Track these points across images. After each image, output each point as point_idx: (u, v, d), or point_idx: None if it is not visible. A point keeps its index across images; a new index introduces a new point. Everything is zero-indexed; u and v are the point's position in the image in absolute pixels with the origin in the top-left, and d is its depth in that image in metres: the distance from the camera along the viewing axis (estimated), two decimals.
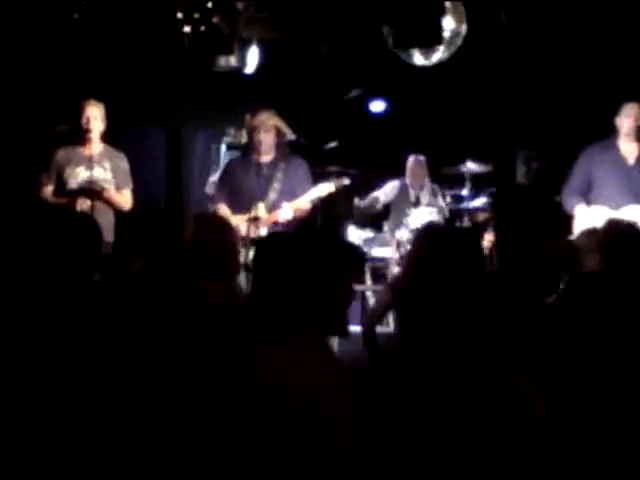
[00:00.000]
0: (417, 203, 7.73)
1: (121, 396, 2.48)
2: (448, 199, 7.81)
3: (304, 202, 5.60)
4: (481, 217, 7.58)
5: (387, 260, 7.32)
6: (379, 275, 7.27)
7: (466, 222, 7.40)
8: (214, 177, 6.88)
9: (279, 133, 5.58)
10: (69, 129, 5.73)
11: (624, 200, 5.34)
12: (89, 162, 5.42)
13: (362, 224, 7.56)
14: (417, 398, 2.02)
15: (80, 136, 5.50)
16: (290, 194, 5.55)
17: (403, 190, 7.90)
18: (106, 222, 5.54)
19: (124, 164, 5.68)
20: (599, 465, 2.56)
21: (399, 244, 7.19)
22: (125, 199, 5.65)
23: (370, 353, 4.38)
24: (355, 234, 7.38)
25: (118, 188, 5.61)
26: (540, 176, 8.29)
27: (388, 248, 7.34)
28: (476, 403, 1.97)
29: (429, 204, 7.62)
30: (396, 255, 7.16)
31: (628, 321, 2.87)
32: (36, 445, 2.46)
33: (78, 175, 5.48)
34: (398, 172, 7.95)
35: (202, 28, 5.99)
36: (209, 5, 5.97)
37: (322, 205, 6.12)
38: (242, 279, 4.63)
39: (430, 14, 5.66)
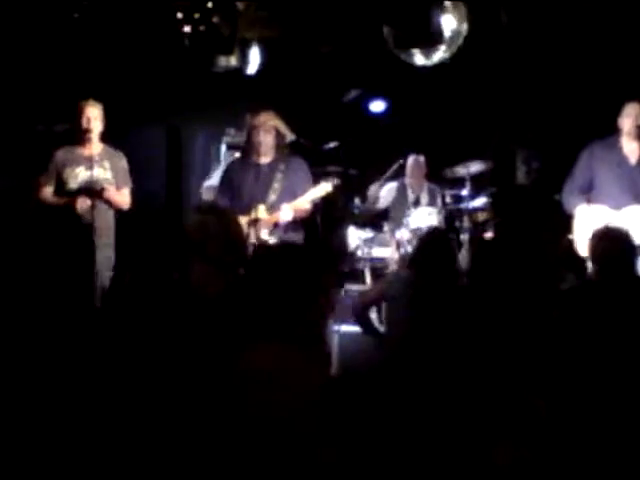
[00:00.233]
0: (417, 203, 7.73)
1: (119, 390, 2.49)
2: (448, 199, 7.81)
3: (303, 203, 5.59)
4: (481, 217, 7.58)
5: (387, 260, 7.31)
6: (379, 275, 7.26)
7: (466, 222, 7.40)
8: (209, 182, 6.88)
9: (279, 134, 5.57)
10: (69, 129, 5.73)
11: (625, 199, 5.33)
12: (89, 162, 5.42)
13: (362, 224, 7.55)
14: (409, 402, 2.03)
15: (80, 136, 5.51)
16: (290, 195, 5.53)
17: (402, 191, 7.90)
18: (106, 222, 5.56)
19: (123, 163, 5.69)
20: (602, 463, 2.56)
21: (399, 244, 7.19)
22: (124, 198, 5.66)
23: (364, 329, 4.42)
24: (355, 234, 7.37)
25: (117, 187, 5.61)
26: (540, 176, 8.28)
27: (388, 248, 7.34)
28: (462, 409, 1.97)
29: (429, 204, 7.62)
30: (396, 255, 7.16)
31: (623, 325, 2.88)
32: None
33: (78, 175, 5.49)
34: (398, 172, 7.95)
35: (202, 28, 5.99)
36: (209, 5, 5.98)
37: (322, 205, 6.12)
38: None
39: (430, 14, 5.66)
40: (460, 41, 5.90)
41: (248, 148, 5.62)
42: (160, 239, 7.12)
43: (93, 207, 5.35)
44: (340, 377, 4.31)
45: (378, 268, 7.35)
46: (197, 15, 5.98)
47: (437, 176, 7.89)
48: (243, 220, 5.42)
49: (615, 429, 2.61)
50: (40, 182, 5.54)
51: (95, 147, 5.51)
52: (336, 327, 6.20)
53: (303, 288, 2.10)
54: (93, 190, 5.40)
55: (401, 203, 7.75)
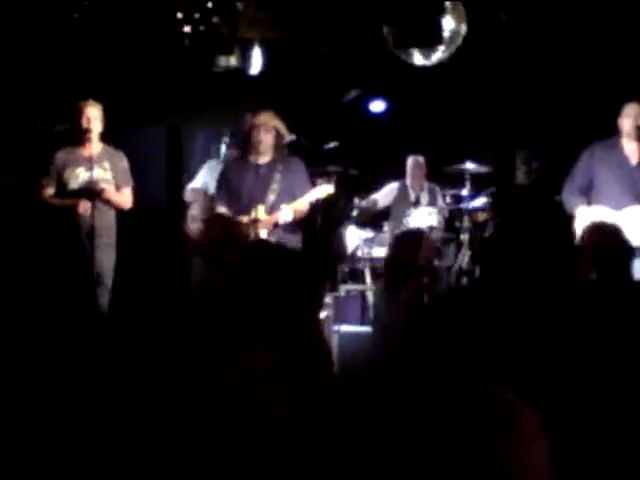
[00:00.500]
0: (417, 203, 7.73)
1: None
2: (448, 199, 7.81)
3: (303, 204, 5.59)
4: (481, 217, 7.58)
5: None
6: (379, 275, 7.26)
7: (466, 222, 7.40)
8: (191, 184, 6.88)
9: (278, 134, 5.56)
10: (69, 129, 5.73)
11: (625, 200, 5.32)
12: (89, 163, 5.42)
13: (362, 224, 7.55)
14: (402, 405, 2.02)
15: (79, 137, 5.51)
16: (289, 195, 5.52)
17: (403, 191, 7.91)
18: (107, 222, 5.56)
19: (123, 163, 5.69)
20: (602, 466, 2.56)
21: None
22: (125, 198, 5.66)
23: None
24: (355, 234, 7.37)
25: (118, 187, 5.61)
26: (540, 176, 8.28)
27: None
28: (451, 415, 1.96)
29: (429, 204, 7.63)
30: None
31: (620, 325, 2.87)
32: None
33: (78, 176, 5.49)
34: (398, 172, 7.95)
35: (202, 28, 5.99)
36: (209, 5, 5.98)
37: (322, 206, 6.12)
38: None
39: (430, 14, 5.66)
40: (459, 41, 5.90)
41: (247, 148, 5.60)
42: (160, 239, 7.13)
43: (93, 207, 5.36)
44: (340, 377, 4.30)
45: (378, 268, 7.35)
46: (197, 15, 5.98)
47: (437, 176, 7.89)
48: (244, 220, 5.44)
49: (611, 433, 2.60)
50: (42, 183, 5.55)
51: (95, 147, 5.52)
52: (336, 327, 6.20)
53: (292, 290, 2.10)
54: (93, 191, 5.40)
55: (402, 203, 7.76)
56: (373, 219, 7.80)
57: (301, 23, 6.65)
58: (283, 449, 1.93)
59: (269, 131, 5.50)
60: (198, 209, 6.60)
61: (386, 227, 7.64)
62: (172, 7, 6.02)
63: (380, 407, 2.02)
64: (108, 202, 5.52)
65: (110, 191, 5.51)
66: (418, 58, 6.02)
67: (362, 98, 8.34)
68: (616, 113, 5.47)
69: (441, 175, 7.82)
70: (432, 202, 7.71)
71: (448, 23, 5.80)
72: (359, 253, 7.31)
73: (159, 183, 7.76)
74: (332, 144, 7.39)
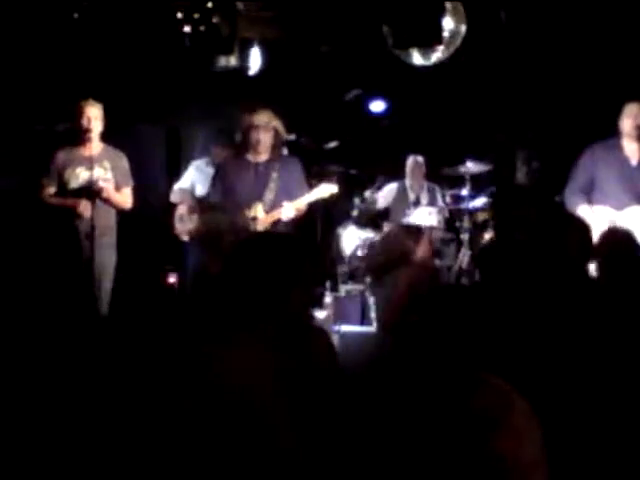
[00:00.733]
0: (417, 203, 7.74)
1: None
2: (448, 199, 7.81)
3: (306, 202, 5.61)
4: (481, 217, 7.58)
5: None
6: None
7: (466, 222, 7.40)
8: (178, 185, 6.88)
9: (277, 134, 5.57)
10: (69, 129, 5.73)
11: (626, 200, 5.33)
12: (89, 163, 5.42)
13: (362, 224, 7.55)
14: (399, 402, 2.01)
15: (80, 136, 5.51)
16: (286, 194, 5.54)
17: (402, 191, 7.92)
18: (108, 221, 5.56)
19: (124, 163, 5.69)
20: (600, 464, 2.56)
21: None
22: (126, 198, 5.66)
23: None
24: (355, 234, 7.38)
25: (118, 187, 5.61)
26: (540, 176, 8.28)
27: None
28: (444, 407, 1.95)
29: (429, 204, 7.63)
30: None
31: (626, 328, 2.86)
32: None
33: (79, 176, 5.49)
34: (398, 172, 7.96)
35: (202, 28, 5.98)
36: (209, 5, 5.97)
37: (322, 205, 6.12)
38: None
39: (430, 14, 5.66)
40: (458, 42, 5.90)
41: (244, 146, 5.59)
42: (160, 239, 7.13)
43: (93, 207, 5.36)
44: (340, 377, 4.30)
45: None
46: (197, 15, 5.97)
47: (437, 176, 7.89)
48: (244, 216, 5.46)
49: (613, 436, 2.60)
50: (42, 183, 5.55)
51: (95, 147, 5.52)
52: (336, 327, 6.21)
53: (278, 278, 2.10)
54: (93, 190, 5.40)
55: (401, 203, 7.76)
56: (373, 219, 7.80)
57: (301, 23, 6.65)
58: (279, 448, 1.93)
59: (269, 131, 5.51)
60: (185, 209, 6.59)
61: (386, 227, 7.64)
62: (172, 7, 6.02)
63: (379, 399, 2.02)
64: (108, 201, 5.52)
65: (110, 190, 5.51)
66: (418, 58, 6.02)
67: (362, 98, 8.34)
68: (616, 113, 5.47)
69: (441, 175, 7.82)
70: (432, 202, 7.72)
71: (448, 23, 5.80)
72: (359, 253, 7.31)
73: (158, 183, 7.77)
74: (332, 144, 7.39)
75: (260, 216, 5.50)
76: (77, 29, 6.29)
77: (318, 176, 6.71)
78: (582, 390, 2.66)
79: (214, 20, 5.99)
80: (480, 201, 7.48)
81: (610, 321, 2.91)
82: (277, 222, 5.56)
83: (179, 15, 5.99)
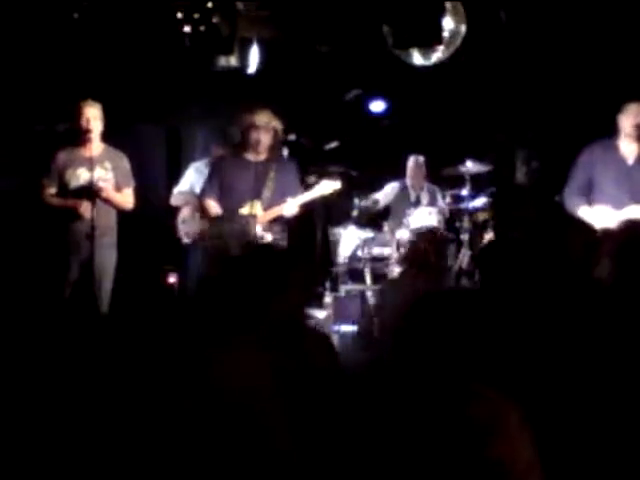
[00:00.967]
0: (417, 203, 7.74)
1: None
2: (448, 199, 7.82)
3: (309, 198, 5.65)
4: (481, 217, 7.59)
5: (387, 260, 7.31)
6: (379, 275, 7.26)
7: (466, 222, 7.40)
8: (177, 188, 6.87)
9: (276, 134, 5.59)
10: (69, 129, 5.73)
11: (625, 199, 5.33)
12: (90, 163, 5.41)
13: (362, 224, 7.55)
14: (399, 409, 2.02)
15: (80, 137, 5.50)
16: (281, 195, 5.56)
17: (403, 191, 7.92)
18: (108, 222, 5.55)
19: (125, 163, 5.68)
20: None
21: (399, 244, 7.19)
22: (126, 198, 5.65)
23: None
24: (355, 234, 7.38)
25: (119, 188, 5.61)
26: (540, 176, 8.28)
27: (388, 248, 7.34)
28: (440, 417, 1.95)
29: (429, 204, 7.63)
30: (396, 255, 7.16)
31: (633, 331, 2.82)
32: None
33: (80, 176, 5.48)
34: (398, 172, 7.96)
35: (202, 28, 5.98)
36: (209, 5, 5.97)
37: (322, 205, 6.13)
38: None
39: (430, 14, 5.66)
40: (458, 42, 5.90)
41: (243, 146, 5.60)
42: (160, 239, 7.13)
43: (93, 207, 5.35)
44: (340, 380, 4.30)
45: (378, 268, 7.36)
46: (197, 15, 5.97)
47: (437, 176, 7.90)
48: (241, 213, 5.48)
49: (617, 438, 2.58)
50: (43, 184, 5.54)
51: (96, 147, 5.51)
52: (336, 327, 6.21)
53: (264, 281, 2.11)
54: (92, 190, 5.39)
55: (402, 203, 7.77)
56: (373, 219, 7.80)
57: (300, 22, 6.65)
58: (276, 449, 1.93)
59: (269, 131, 5.53)
60: (189, 211, 6.58)
61: (386, 227, 7.65)
62: (172, 7, 6.02)
63: (376, 406, 2.02)
64: (108, 201, 5.51)
65: (109, 190, 5.50)
66: (418, 58, 6.02)
67: (362, 98, 8.34)
68: (616, 113, 5.47)
69: (441, 175, 7.83)
70: (432, 202, 7.72)
71: (448, 23, 5.81)
72: (359, 253, 7.31)
73: (159, 183, 7.77)
74: (332, 144, 7.39)
75: (259, 214, 5.52)
76: (77, 29, 6.28)
77: (318, 176, 6.72)
78: (583, 394, 2.64)
79: (214, 20, 6.00)
80: (480, 201, 7.48)
81: (616, 324, 2.88)
82: (276, 219, 5.58)
83: (179, 15, 5.99)
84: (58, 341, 4.71)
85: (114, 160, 5.62)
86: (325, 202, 6.08)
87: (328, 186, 5.73)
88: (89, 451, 2.56)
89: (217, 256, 5.31)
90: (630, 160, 5.42)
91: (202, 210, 5.78)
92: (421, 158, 7.91)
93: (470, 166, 7.40)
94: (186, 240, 6.58)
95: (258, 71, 6.88)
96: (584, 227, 5.35)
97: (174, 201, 6.86)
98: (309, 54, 7.37)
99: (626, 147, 5.42)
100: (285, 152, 6.48)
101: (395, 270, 6.89)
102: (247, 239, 5.30)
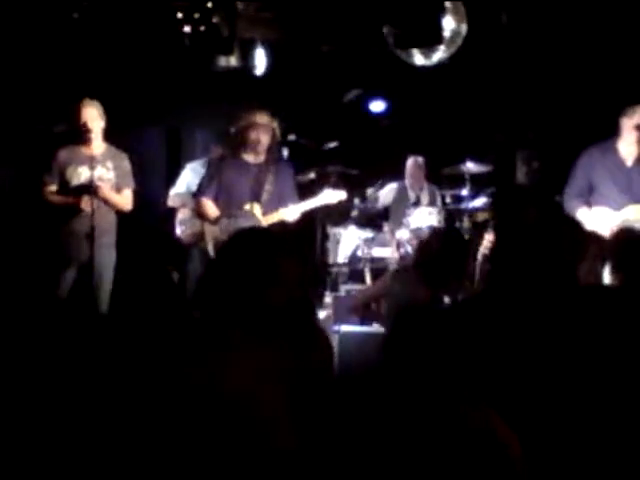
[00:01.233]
0: (417, 203, 7.74)
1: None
2: (448, 199, 7.82)
3: (312, 206, 5.64)
4: (481, 217, 7.58)
5: (387, 260, 7.31)
6: (379, 275, 7.26)
7: (466, 222, 7.40)
8: (174, 190, 6.86)
9: (274, 135, 5.57)
10: (69, 129, 5.72)
11: (625, 202, 5.33)
12: (92, 161, 5.41)
13: (362, 224, 7.55)
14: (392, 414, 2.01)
15: (80, 137, 5.50)
16: (279, 198, 5.54)
17: (402, 191, 7.92)
18: (108, 222, 5.55)
19: (126, 164, 5.68)
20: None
21: (399, 244, 7.19)
22: (125, 200, 5.64)
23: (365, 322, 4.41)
24: (355, 234, 7.38)
25: (119, 188, 5.60)
26: (540, 176, 8.28)
27: (388, 248, 7.34)
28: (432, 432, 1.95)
29: (429, 204, 7.63)
30: (396, 255, 7.16)
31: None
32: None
33: (81, 174, 5.48)
34: (398, 172, 7.96)
35: (202, 28, 5.98)
36: (209, 5, 5.97)
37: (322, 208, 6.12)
38: None
39: (430, 14, 5.66)
40: (459, 41, 5.90)
41: (241, 146, 5.57)
42: (160, 239, 7.12)
43: (92, 206, 5.34)
44: (340, 377, 4.30)
45: (378, 268, 7.36)
46: (197, 15, 5.97)
47: (437, 176, 7.89)
48: (241, 213, 5.47)
49: (615, 440, 2.56)
50: (44, 181, 5.53)
51: (98, 146, 5.51)
52: (336, 327, 6.21)
53: (254, 275, 2.11)
54: (90, 188, 5.38)
55: (401, 203, 7.77)
56: (373, 219, 7.80)
57: (301, 23, 6.65)
58: (279, 449, 1.93)
59: (268, 131, 5.51)
60: (188, 212, 6.56)
61: (386, 227, 7.65)
62: (172, 7, 6.01)
63: (375, 405, 2.02)
64: (106, 201, 5.50)
65: (107, 189, 5.48)
66: (419, 58, 6.01)
67: (362, 98, 8.34)
68: (616, 114, 5.47)
69: (441, 175, 7.83)
70: (432, 202, 7.72)
71: (449, 23, 5.80)
72: (359, 253, 7.31)
73: (158, 184, 7.76)
74: (332, 144, 7.39)
75: (258, 216, 5.51)
76: (77, 29, 6.28)
77: (318, 176, 6.72)
78: (580, 402, 2.62)
79: (214, 20, 5.99)
80: (480, 201, 7.48)
81: (626, 325, 2.84)
82: (276, 223, 5.56)
83: (179, 15, 5.99)
84: (57, 341, 4.71)
85: (115, 160, 5.62)
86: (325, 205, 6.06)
87: (333, 196, 5.73)
88: (89, 452, 2.55)
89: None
90: (629, 162, 5.42)
91: (198, 209, 5.72)
92: (420, 159, 7.91)
93: (470, 166, 7.40)
94: (184, 241, 6.57)
95: (263, 72, 6.89)
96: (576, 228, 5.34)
97: (171, 203, 6.84)
98: (309, 54, 7.37)
99: (625, 149, 5.42)
100: (285, 152, 6.48)
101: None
102: None
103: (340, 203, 6.02)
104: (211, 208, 5.57)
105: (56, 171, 5.51)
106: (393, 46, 5.91)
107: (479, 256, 5.83)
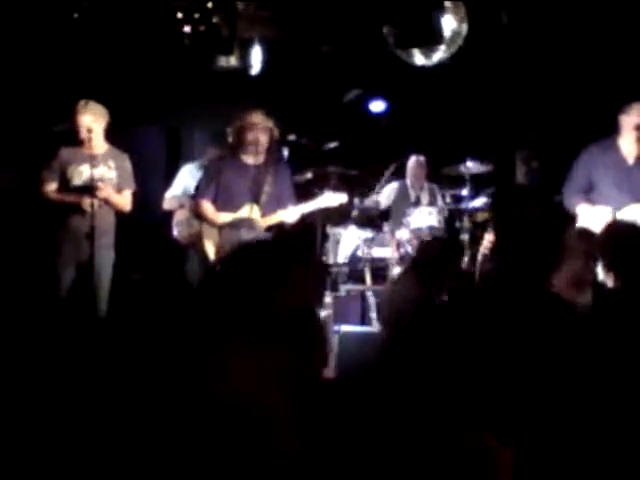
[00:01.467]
0: (417, 203, 7.74)
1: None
2: (448, 199, 7.81)
3: (312, 208, 5.64)
4: (481, 217, 7.58)
5: (387, 260, 7.31)
6: (379, 275, 7.26)
7: (466, 222, 7.40)
8: (170, 193, 6.85)
9: (272, 135, 5.55)
10: (69, 129, 5.72)
11: (626, 200, 5.33)
12: (93, 160, 5.40)
13: (362, 224, 7.55)
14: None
15: (80, 138, 5.49)
16: (277, 200, 5.53)
17: (403, 190, 7.92)
18: (107, 222, 5.54)
19: (127, 164, 5.67)
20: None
21: (399, 244, 7.18)
22: (125, 200, 5.63)
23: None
24: (355, 234, 7.37)
25: (120, 189, 5.59)
26: (540, 176, 8.28)
27: (388, 248, 7.33)
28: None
29: (429, 204, 7.63)
30: (396, 255, 7.15)
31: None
32: None
33: (82, 173, 5.47)
34: (398, 172, 7.96)
35: (202, 28, 5.98)
36: (209, 5, 5.97)
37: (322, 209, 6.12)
38: None
39: (430, 14, 5.66)
40: (460, 41, 5.90)
41: (239, 147, 5.55)
42: (159, 240, 7.12)
43: (92, 206, 5.33)
44: (340, 377, 4.30)
45: (378, 268, 7.35)
46: (197, 15, 5.97)
47: (437, 176, 7.89)
48: (240, 215, 5.47)
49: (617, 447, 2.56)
50: (42, 178, 5.51)
51: (100, 146, 5.51)
52: (336, 327, 6.21)
53: (264, 279, 2.10)
54: (91, 188, 5.37)
55: (402, 203, 7.76)
56: (373, 219, 7.80)
57: (301, 23, 6.65)
58: (282, 450, 1.92)
59: (266, 131, 5.49)
60: (185, 213, 6.54)
61: (386, 227, 7.64)
62: (172, 7, 6.02)
63: (374, 406, 2.02)
64: (106, 200, 5.49)
65: (107, 190, 5.48)
66: (419, 58, 6.02)
67: (362, 98, 8.34)
68: (616, 113, 5.46)
69: (441, 175, 7.82)
70: (432, 202, 7.72)
71: (449, 23, 5.80)
72: (359, 253, 7.30)
73: (158, 183, 7.76)
74: (332, 144, 7.39)
75: (256, 218, 5.50)
76: (77, 29, 6.28)
77: (318, 176, 6.71)
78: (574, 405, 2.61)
79: (214, 20, 5.99)
80: (480, 201, 7.47)
81: (623, 328, 2.83)
82: (275, 225, 5.56)
83: (179, 15, 6.00)
84: (56, 341, 4.71)
85: (117, 160, 5.61)
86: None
87: (334, 199, 5.72)
88: (89, 452, 2.55)
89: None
90: (630, 160, 5.41)
91: (197, 211, 5.69)
92: (422, 158, 7.91)
93: (470, 166, 7.39)
94: (182, 242, 6.56)
95: (258, 71, 6.89)
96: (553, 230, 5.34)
97: (167, 205, 6.82)
98: (309, 54, 7.37)
99: (626, 147, 5.41)
100: (285, 152, 6.47)
101: (395, 270, 6.89)
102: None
103: (340, 205, 6.01)
104: (210, 210, 5.55)
105: (57, 169, 5.50)
106: (393, 46, 5.91)
107: (479, 256, 5.83)
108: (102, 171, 5.48)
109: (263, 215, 5.53)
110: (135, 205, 5.71)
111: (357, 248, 7.33)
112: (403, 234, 7.17)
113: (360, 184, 7.78)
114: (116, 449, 2.32)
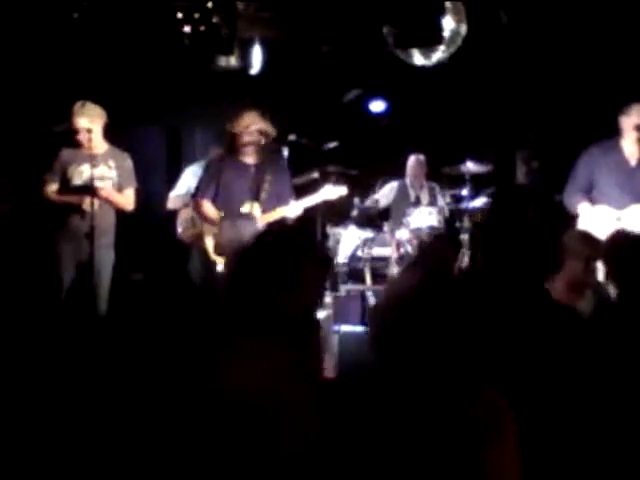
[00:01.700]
0: (417, 203, 7.74)
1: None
2: (448, 199, 7.81)
3: (313, 202, 5.65)
4: (481, 217, 7.58)
5: (387, 260, 7.31)
6: (379, 275, 7.26)
7: (466, 222, 7.40)
8: (174, 192, 6.86)
9: (265, 136, 5.54)
10: (69, 129, 5.72)
11: (627, 201, 5.31)
12: (94, 160, 5.40)
13: (362, 224, 7.55)
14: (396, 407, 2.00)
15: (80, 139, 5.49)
16: (277, 197, 5.55)
17: (403, 190, 7.92)
18: (107, 223, 5.54)
19: (128, 163, 5.68)
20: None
21: (399, 244, 7.19)
22: (127, 199, 5.63)
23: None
24: (355, 234, 7.38)
25: (122, 188, 5.60)
26: (540, 176, 8.29)
27: (388, 248, 7.34)
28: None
29: (429, 204, 7.63)
30: (396, 255, 7.16)
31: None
32: None
33: (83, 173, 5.47)
34: (398, 172, 7.96)
35: (202, 28, 5.98)
36: (209, 5, 5.97)
37: (322, 205, 6.12)
38: None
39: (430, 14, 5.66)
40: (459, 41, 5.90)
41: (235, 148, 5.56)
42: (159, 240, 7.13)
43: (92, 206, 5.33)
44: (340, 378, 4.30)
45: (378, 268, 7.35)
46: (197, 15, 5.98)
47: (437, 176, 7.90)
48: (241, 212, 5.48)
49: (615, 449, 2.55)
50: (44, 179, 5.52)
51: (100, 146, 5.51)
52: (336, 327, 6.21)
53: (276, 278, 2.09)
54: (92, 188, 5.37)
55: (402, 202, 7.77)
56: (373, 219, 7.80)
57: (301, 23, 6.65)
58: (289, 450, 1.92)
59: (251, 135, 5.48)
60: (189, 212, 6.55)
61: (386, 227, 7.64)
62: (172, 7, 6.02)
63: (375, 406, 2.02)
64: (108, 200, 5.50)
65: (108, 190, 5.48)
66: (418, 58, 6.02)
67: (362, 98, 8.34)
68: (616, 114, 5.45)
69: (441, 175, 7.83)
70: (432, 202, 7.72)
71: (448, 23, 5.81)
72: (359, 253, 7.31)
73: (159, 183, 7.77)
74: (332, 144, 7.39)
75: (257, 215, 5.52)
76: (77, 29, 6.28)
77: (318, 176, 6.71)
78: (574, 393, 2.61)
79: (214, 20, 6.00)
80: (480, 201, 7.47)
81: (622, 339, 2.81)
82: (276, 221, 5.57)
83: (179, 15, 6.00)
84: (56, 341, 4.71)
85: (118, 159, 5.62)
86: (325, 202, 6.06)
87: (334, 191, 5.73)
88: (92, 452, 2.56)
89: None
90: (633, 161, 5.39)
91: (197, 210, 5.72)
92: (422, 157, 7.92)
93: (470, 166, 7.39)
94: (185, 241, 6.57)
95: (258, 71, 6.89)
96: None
97: (170, 205, 6.83)
98: (309, 54, 7.38)
99: (628, 148, 5.39)
100: (285, 152, 6.47)
101: (395, 270, 6.90)
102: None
103: (340, 202, 6.01)
104: (210, 209, 5.57)
105: (58, 170, 5.51)
106: (393, 46, 5.91)
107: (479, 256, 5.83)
108: (102, 171, 5.49)
109: (263, 212, 5.55)
110: (136, 205, 5.72)
111: (357, 248, 7.33)
112: (403, 234, 7.17)
113: (360, 184, 7.78)
114: (119, 448, 2.33)
